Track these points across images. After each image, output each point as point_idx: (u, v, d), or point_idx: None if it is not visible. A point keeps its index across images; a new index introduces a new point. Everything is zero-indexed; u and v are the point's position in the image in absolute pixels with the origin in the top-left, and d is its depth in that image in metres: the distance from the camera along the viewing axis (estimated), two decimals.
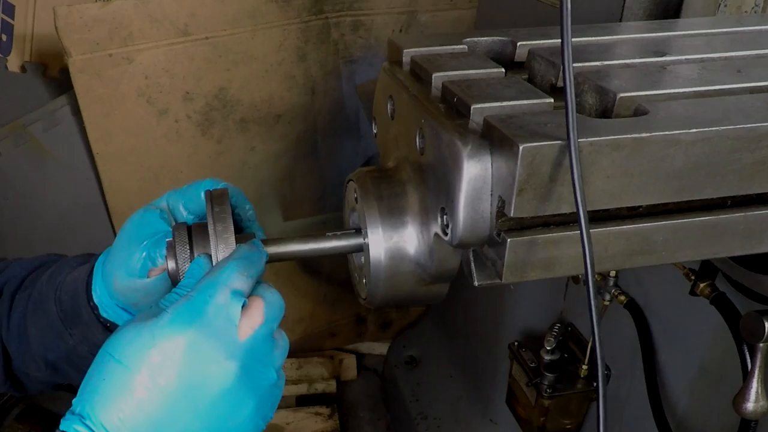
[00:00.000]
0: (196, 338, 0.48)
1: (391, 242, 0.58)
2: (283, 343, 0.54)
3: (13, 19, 1.79)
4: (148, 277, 0.64)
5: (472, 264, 0.55)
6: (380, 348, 2.46)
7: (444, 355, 2.21)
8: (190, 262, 0.57)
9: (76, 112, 1.70)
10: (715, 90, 0.53)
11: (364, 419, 2.30)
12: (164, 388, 0.47)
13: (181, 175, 1.83)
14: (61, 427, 0.47)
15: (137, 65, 1.64)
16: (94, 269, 0.69)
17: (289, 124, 1.91)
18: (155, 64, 1.66)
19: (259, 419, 0.51)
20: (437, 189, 0.53)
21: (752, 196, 0.52)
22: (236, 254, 0.54)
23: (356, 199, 0.62)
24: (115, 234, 0.69)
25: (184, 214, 0.67)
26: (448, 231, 0.52)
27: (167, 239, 0.61)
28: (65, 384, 0.77)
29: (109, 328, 0.70)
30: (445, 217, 0.52)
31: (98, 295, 0.69)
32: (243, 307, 0.51)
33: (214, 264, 0.55)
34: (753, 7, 1.07)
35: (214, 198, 0.59)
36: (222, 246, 0.56)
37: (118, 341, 0.49)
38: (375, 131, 0.72)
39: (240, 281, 0.52)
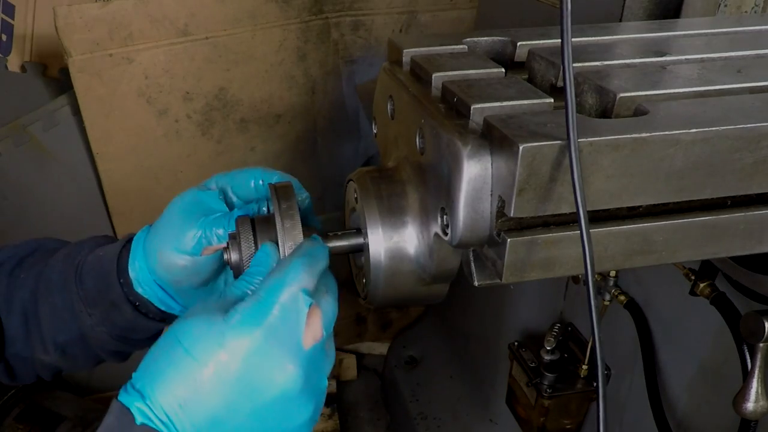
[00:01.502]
0: (263, 341, 0.48)
1: (391, 242, 0.58)
2: (331, 352, 0.54)
3: (13, 19, 1.79)
4: (200, 255, 0.64)
5: (472, 264, 0.55)
6: (380, 348, 2.46)
7: (444, 355, 2.21)
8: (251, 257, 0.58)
9: (76, 112, 1.70)
10: (715, 90, 0.53)
11: (364, 419, 2.30)
12: (227, 385, 0.48)
13: (181, 175, 1.83)
14: (120, 398, 0.49)
15: (137, 65, 1.64)
16: (133, 244, 0.69)
17: (289, 124, 1.91)
18: (155, 64, 1.66)
19: (312, 424, 0.52)
20: (437, 189, 0.53)
21: (752, 196, 0.52)
22: (300, 251, 0.54)
23: (356, 199, 0.62)
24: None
25: (233, 199, 0.68)
26: (448, 231, 0.52)
27: (230, 231, 0.62)
28: (57, 380, 0.76)
29: (138, 308, 0.70)
30: (445, 217, 0.52)
31: (136, 269, 0.68)
32: (309, 307, 0.51)
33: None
34: (753, 7, 1.07)
35: (279, 192, 0.58)
36: (290, 243, 0.55)
37: (189, 331, 0.49)
38: (375, 131, 0.72)
39: (306, 280, 0.51)
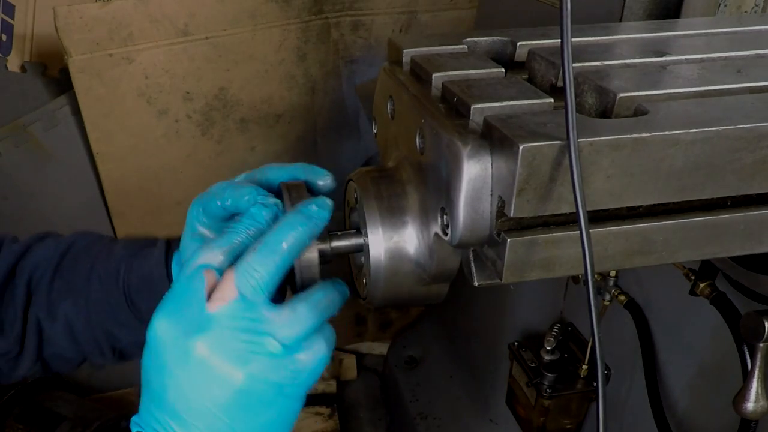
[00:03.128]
0: (167, 318, 0.49)
1: (391, 242, 0.58)
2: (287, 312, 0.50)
3: (13, 19, 1.79)
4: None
5: (472, 264, 0.55)
6: (380, 348, 2.46)
7: (444, 355, 2.21)
8: None
9: (76, 112, 1.70)
10: (715, 90, 0.53)
11: (364, 419, 2.30)
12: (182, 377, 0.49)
13: (181, 175, 1.83)
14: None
15: (137, 65, 1.64)
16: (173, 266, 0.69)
17: (289, 124, 1.91)
18: (155, 64, 1.66)
19: (250, 384, 0.49)
20: (437, 189, 0.53)
21: (752, 196, 0.52)
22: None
23: (356, 199, 0.62)
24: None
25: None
26: (448, 231, 0.52)
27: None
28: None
29: None
30: (445, 217, 0.52)
31: None
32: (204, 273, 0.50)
33: None
34: (753, 7, 1.07)
35: (292, 191, 0.58)
36: None
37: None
38: (375, 131, 0.72)
39: (209, 256, 0.51)
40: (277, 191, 0.59)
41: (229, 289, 0.49)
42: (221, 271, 0.51)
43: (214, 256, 0.51)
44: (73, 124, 1.74)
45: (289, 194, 0.57)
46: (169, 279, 0.69)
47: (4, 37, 1.79)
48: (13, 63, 1.81)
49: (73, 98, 1.68)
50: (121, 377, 2.09)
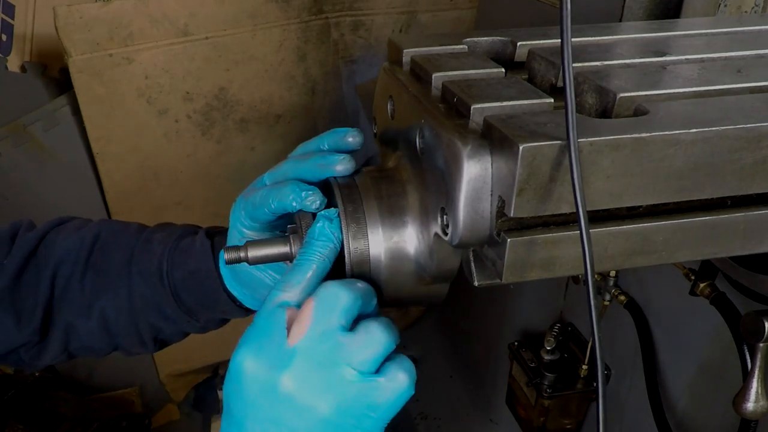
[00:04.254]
0: (250, 356, 0.50)
1: (391, 242, 0.58)
2: (369, 330, 0.51)
3: (13, 19, 1.79)
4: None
5: (472, 264, 0.55)
6: None
7: (444, 355, 2.21)
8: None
9: (76, 112, 1.70)
10: (715, 90, 0.53)
11: None
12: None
13: (181, 175, 1.83)
14: None
15: (137, 65, 1.64)
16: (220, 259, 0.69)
17: (289, 124, 1.91)
18: (155, 64, 1.66)
19: (332, 419, 0.49)
20: (437, 189, 0.53)
21: (752, 196, 0.52)
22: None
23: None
24: None
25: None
26: (448, 231, 0.52)
27: (290, 225, 0.61)
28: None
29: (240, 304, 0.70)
30: (445, 217, 0.52)
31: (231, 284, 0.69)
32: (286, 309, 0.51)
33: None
34: (753, 7, 1.07)
35: (344, 191, 0.58)
36: (355, 247, 0.56)
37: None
38: (375, 131, 0.72)
39: (290, 292, 0.52)
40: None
41: (306, 319, 0.50)
42: (299, 305, 0.51)
43: (294, 294, 0.52)
44: (73, 124, 1.74)
45: (342, 196, 0.57)
46: (219, 275, 0.68)
47: (4, 37, 1.79)
48: (13, 63, 1.81)
49: (73, 98, 1.68)
50: (122, 377, 2.09)
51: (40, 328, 0.70)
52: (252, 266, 0.63)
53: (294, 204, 0.57)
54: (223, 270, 0.68)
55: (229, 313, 0.71)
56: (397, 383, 0.50)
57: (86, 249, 0.72)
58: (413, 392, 0.52)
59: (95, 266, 0.71)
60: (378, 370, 0.51)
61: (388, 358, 0.52)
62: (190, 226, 0.75)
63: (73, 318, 0.71)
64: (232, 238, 0.65)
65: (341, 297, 0.50)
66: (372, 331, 0.50)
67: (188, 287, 0.69)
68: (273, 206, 0.58)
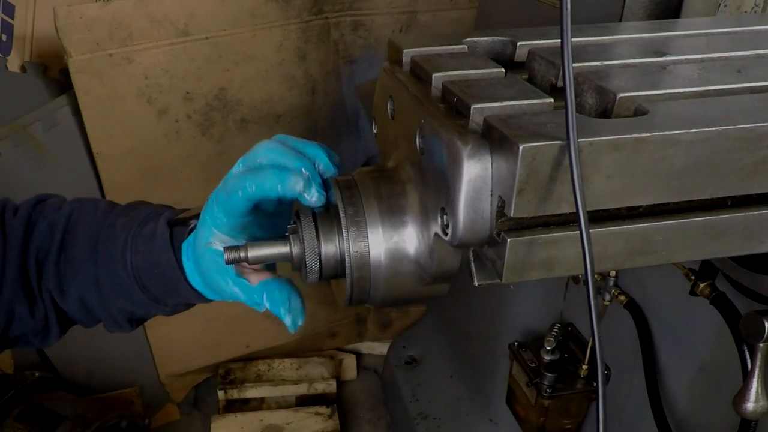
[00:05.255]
0: None
1: (391, 242, 0.58)
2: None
3: (13, 19, 1.79)
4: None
5: (472, 264, 0.55)
6: (380, 348, 2.46)
7: (444, 355, 2.21)
8: (318, 254, 0.58)
9: (76, 112, 1.70)
10: (715, 90, 0.53)
11: (364, 419, 2.30)
12: None
13: (181, 175, 1.83)
14: None
15: (137, 65, 1.64)
16: (183, 250, 0.69)
17: (289, 124, 1.91)
18: (155, 64, 1.66)
19: None
20: (437, 189, 0.53)
21: (752, 196, 0.52)
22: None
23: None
24: None
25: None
26: (448, 231, 0.52)
27: (290, 225, 0.61)
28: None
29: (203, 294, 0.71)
30: (445, 217, 0.52)
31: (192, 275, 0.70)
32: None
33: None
34: (753, 7, 1.07)
35: (345, 193, 0.58)
36: (355, 251, 0.57)
37: None
38: (375, 131, 0.72)
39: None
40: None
41: None
42: None
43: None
44: (73, 124, 1.74)
45: (342, 197, 0.58)
46: (180, 268, 0.68)
47: (4, 37, 1.79)
48: (13, 63, 1.81)
49: (73, 98, 1.68)
50: (121, 377, 2.09)
51: (45, 313, 0.73)
52: (214, 271, 0.64)
53: (279, 188, 0.57)
54: (186, 264, 0.68)
55: (194, 300, 0.72)
56: None
57: (60, 231, 0.73)
58: None
59: (66, 251, 0.73)
60: None
61: None
62: (155, 208, 0.76)
63: (55, 298, 0.73)
64: (200, 243, 0.65)
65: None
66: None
67: (152, 276, 0.70)
68: (251, 190, 0.58)
